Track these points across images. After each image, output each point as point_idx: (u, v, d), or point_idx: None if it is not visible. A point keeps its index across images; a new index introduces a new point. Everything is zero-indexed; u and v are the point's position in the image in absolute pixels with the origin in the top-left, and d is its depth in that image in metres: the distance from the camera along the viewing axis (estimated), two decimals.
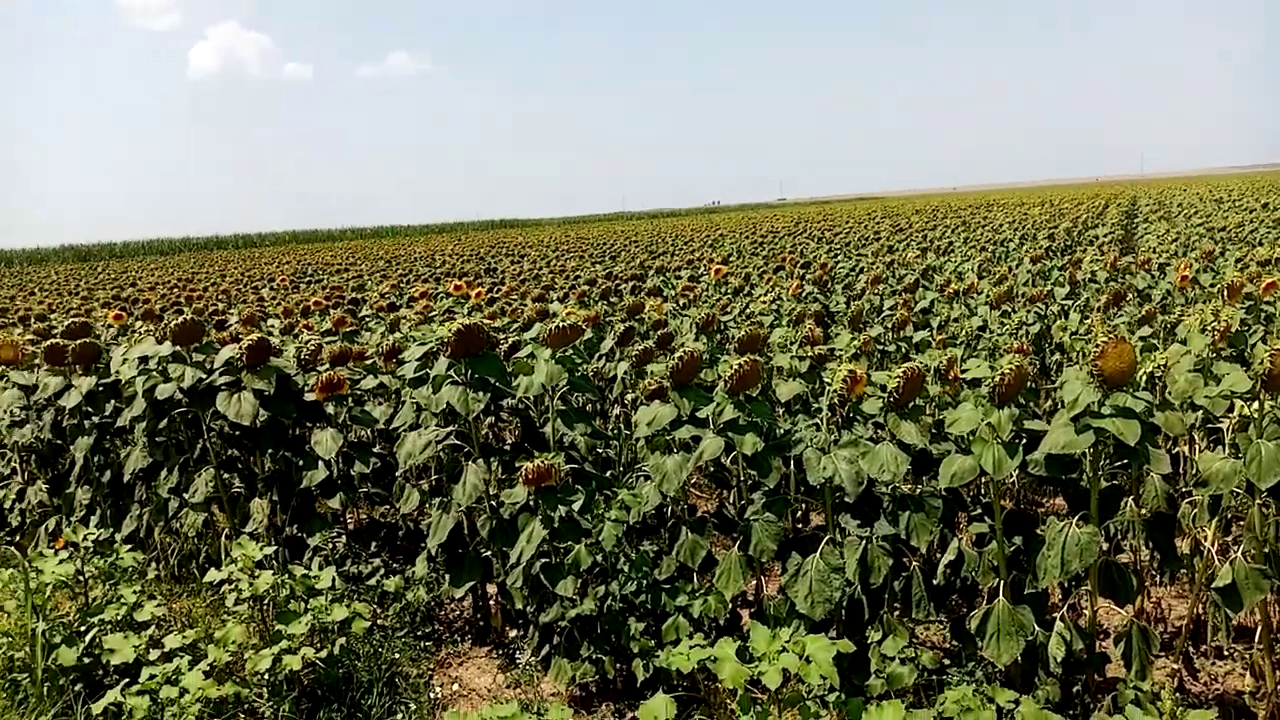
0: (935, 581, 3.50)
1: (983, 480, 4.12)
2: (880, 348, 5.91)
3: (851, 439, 3.43)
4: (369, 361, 5.37)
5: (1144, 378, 4.08)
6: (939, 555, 3.67)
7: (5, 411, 5.23)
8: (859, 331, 5.58)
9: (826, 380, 3.50)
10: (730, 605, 3.68)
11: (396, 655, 4.02)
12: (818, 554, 3.44)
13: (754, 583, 4.04)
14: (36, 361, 5.56)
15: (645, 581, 3.60)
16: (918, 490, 3.51)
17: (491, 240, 38.93)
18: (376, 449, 5.05)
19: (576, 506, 3.64)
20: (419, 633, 4.29)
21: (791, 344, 4.62)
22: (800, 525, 4.72)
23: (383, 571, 4.41)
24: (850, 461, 3.37)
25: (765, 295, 7.16)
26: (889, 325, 6.15)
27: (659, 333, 5.25)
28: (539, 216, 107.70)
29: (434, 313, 8.09)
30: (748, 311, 6.74)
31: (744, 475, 3.84)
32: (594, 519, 3.59)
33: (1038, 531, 3.30)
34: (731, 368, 3.46)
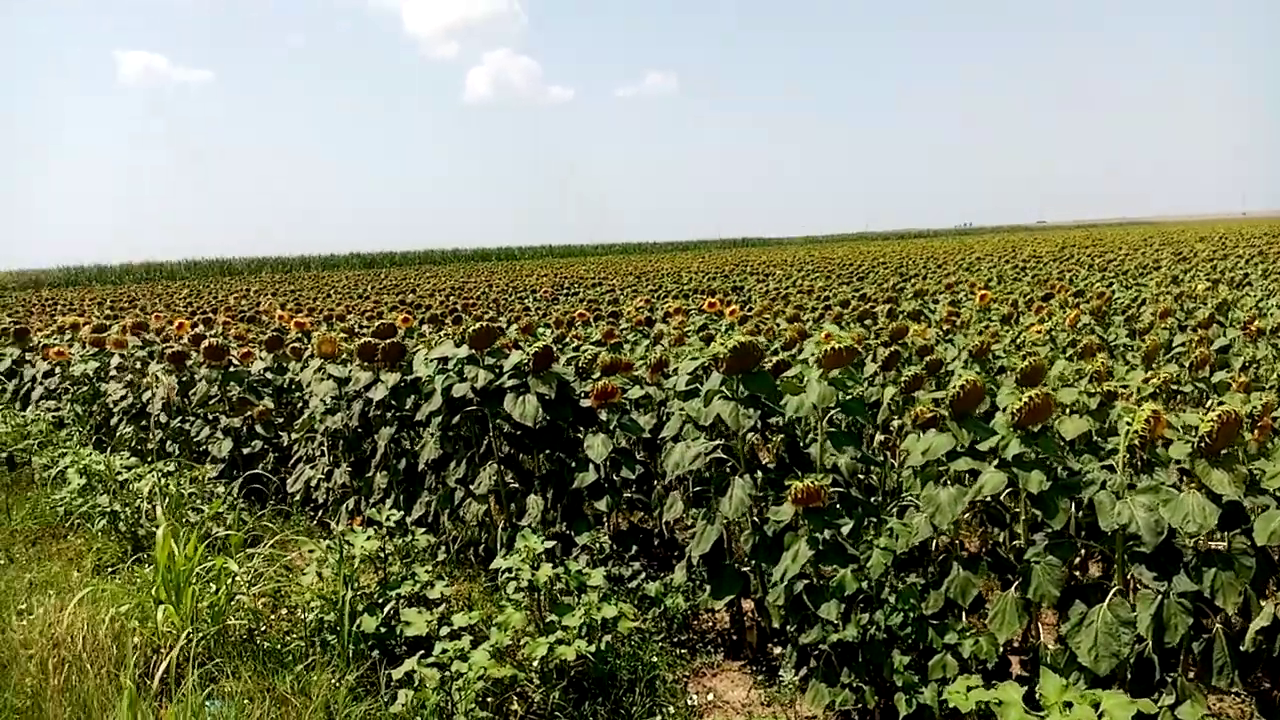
0: (1243, 648, 3.18)
1: None
2: (1175, 388, 5.44)
3: (1151, 484, 3.19)
4: (635, 372, 5.59)
5: None
6: (1239, 619, 3.35)
7: (321, 400, 5.88)
8: (1151, 368, 5.18)
9: (1125, 420, 3.27)
10: (1000, 649, 3.53)
11: (654, 659, 4.15)
12: (1105, 605, 3.23)
13: (1024, 628, 3.85)
14: (344, 357, 6.24)
15: (911, 614, 3.52)
16: (1223, 545, 3.22)
17: (735, 259, 39.35)
18: (639, 457, 5.24)
19: (845, 530, 3.62)
20: (675, 639, 4.41)
21: (1079, 378, 4.36)
22: (1077, 573, 4.44)
23: (643, 575, 4.57)
24: (1149, 509, 3.14)
25: (1038, 325, 6.79)
26: (1184, 363, 5.65)
27: (926, 359, 5.12)
28: (780, 236, 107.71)
29: (688, 328, 8.28)
30: (1019, 341, 6.42)
31: (1025, 514, 3.66)
32: (861, 545, 3.55)
33: None
34: (1021, 400, 3.32)
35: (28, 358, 10.04)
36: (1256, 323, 6.89)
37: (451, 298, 16.74)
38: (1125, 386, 4.70)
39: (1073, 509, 3.72)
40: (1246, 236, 31.35)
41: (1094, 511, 3.38)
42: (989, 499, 3.88)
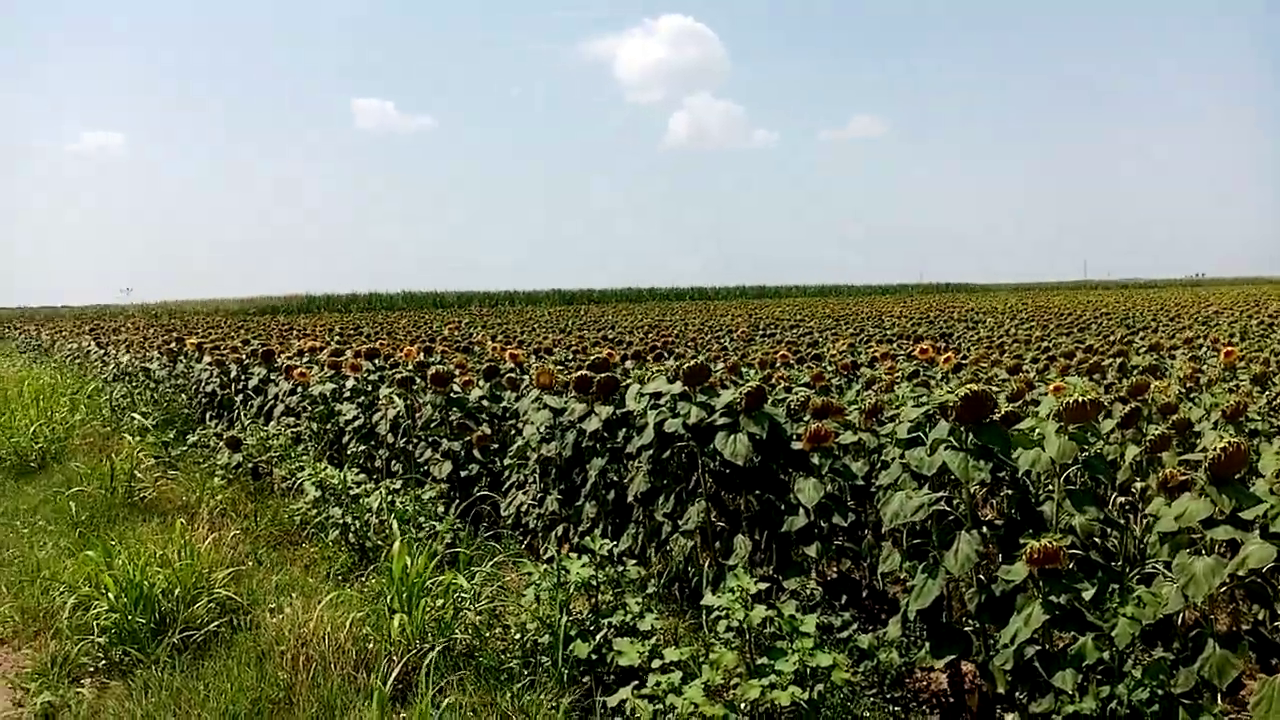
0: None
1: None
2: None
3: None
4: (847, 417, 5.49)
5: None
6: None
7: (537, 428, 6.12)
8: None
9: None
10: None
11: (866, 714, 4.02)
12: None
13: None
14: (558, 388, 6.47)
15: (1159, 691, 3.25)
16: None
17: (939, 304, 38.09)
18: (849, 504, 5.13)
19: (1087, 596, 3.39)
20: (887, 696, 4.25)
21: None
22: None
23: (855, 626, 4.44)
24: None
25: None
26: None
27: (1171, 418, 4.75)
28: (988, 282, 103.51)
29: (898, 374, 8.05)
30: (1276, 404, 5.84)
31: None
32: (1104, 613, 3.32)
33: None
34: None
35: (272, 377, 11.01)
36: None
37: (650, 335, 17.06)
38: None
39: None
40: None
41: None
42: (1250, 573, 3.54)
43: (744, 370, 8.23)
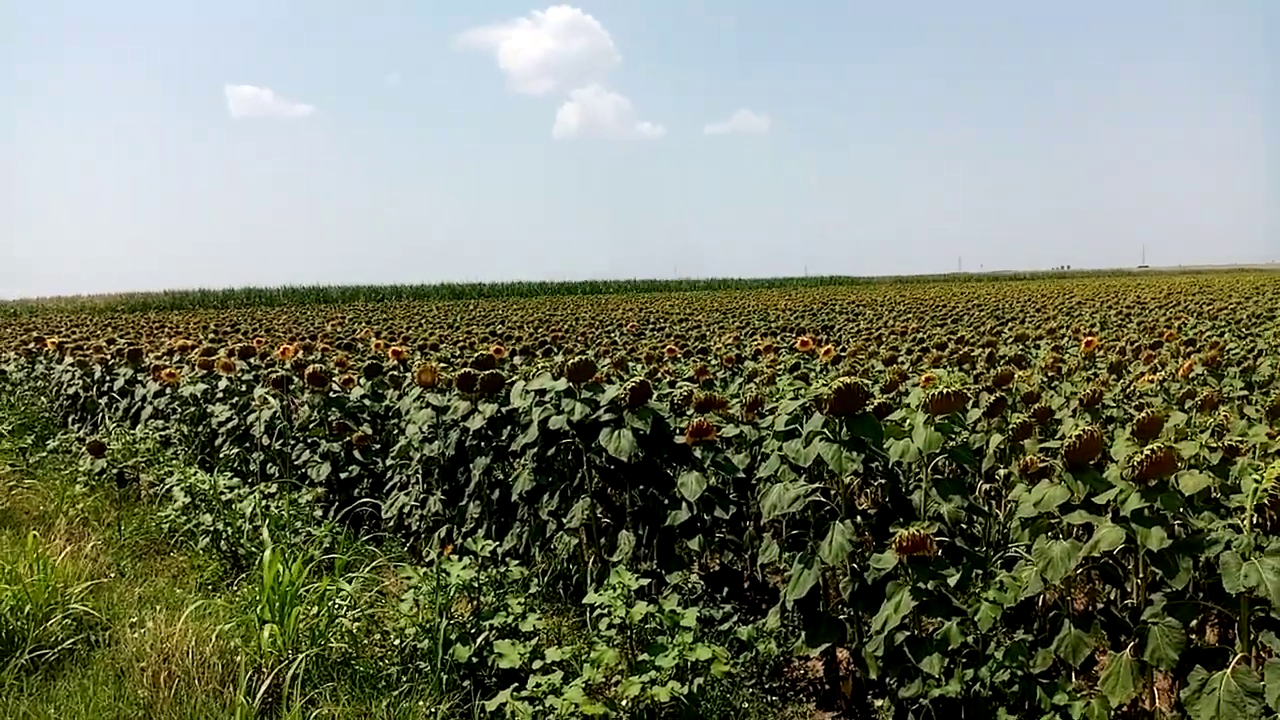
0: None
1: None
2: None
3: None
4: (729, 410, 5.55)
5: None
6: None
7: (419, 428, 5.99)
8: (1276, 424, 4.92)
9: (1254, 477, 3.11)
10: (1111, 713, 3.37)
11: (745, 705, 4.07)
12: (1229, 672, 3.06)
13: (1138, 692, 3.67)
14: (441, 386, 6.34)
15: (1019, 671, 3.39)
16: None
17: (822, 297, 39.06)
18: (731, 497, 5.19)
19: (952, 582, 3.51)
20: (766, 686, 4.32)
21: (1197, 431, 4.17)
22: (1193, 636, 4.22)
23: (735, 618, 4.50)
24: (1279, 571, 2.97)
25: (1150, 374, 6.53)
26: None
27: (1034, 407, 4.96)
28: (868, 275, 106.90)
29: (780, 367, 8.20)
30: (1129, 391, 6.18)
31: (1142, 572, 3.50)
32: (968, 597, 3.44)
33: None
34: (1142, 453, 3.19)
35: (139, 378, 10.47)
36: None
37: (540, 330, 16.95)
38: (1244, 440, 4.48)
39: (1196, 570, 3.55)
40: None
41: (1215, 572, 3.22)
42: (1103, 555, 3.73)
43: (631, 365, 8.24)
